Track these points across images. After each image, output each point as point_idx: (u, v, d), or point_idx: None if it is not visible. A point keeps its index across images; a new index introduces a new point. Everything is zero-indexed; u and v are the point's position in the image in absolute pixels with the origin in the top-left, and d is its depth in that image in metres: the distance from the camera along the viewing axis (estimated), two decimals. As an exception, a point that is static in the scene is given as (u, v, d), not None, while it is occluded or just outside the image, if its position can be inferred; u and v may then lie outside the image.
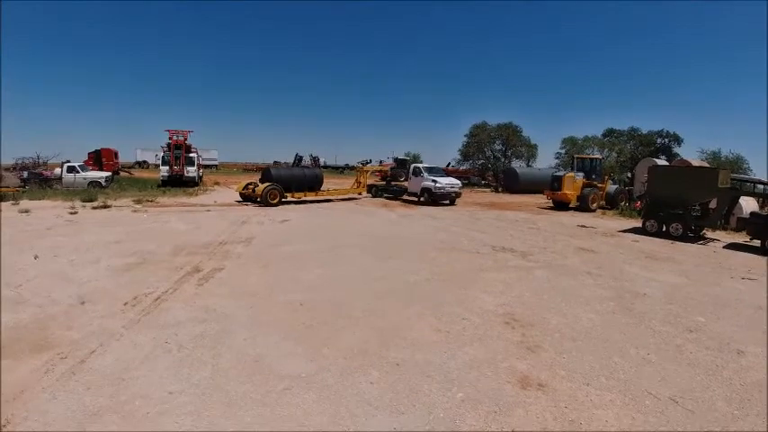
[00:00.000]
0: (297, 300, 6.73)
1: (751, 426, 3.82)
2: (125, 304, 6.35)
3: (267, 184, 20.20)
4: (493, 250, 11.22)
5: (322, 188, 23.11)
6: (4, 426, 3.45)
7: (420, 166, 24.66)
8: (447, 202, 23.21)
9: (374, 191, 26.59)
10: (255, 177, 24.91)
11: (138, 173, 40.38)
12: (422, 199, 23.07)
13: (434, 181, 22.86)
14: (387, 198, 25.53)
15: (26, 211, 14.94)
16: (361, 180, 25.71)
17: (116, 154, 35.65)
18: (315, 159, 54.37)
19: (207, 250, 10.06)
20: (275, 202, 19.69)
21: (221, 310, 6.18)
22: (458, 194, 23.67)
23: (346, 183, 33.17)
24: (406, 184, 25.48)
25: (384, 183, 27.48)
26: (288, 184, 20.75)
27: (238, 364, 4.59)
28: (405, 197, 24.92)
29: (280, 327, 5.69)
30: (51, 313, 5.92)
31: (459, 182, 24.52)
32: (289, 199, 20.72)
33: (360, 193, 25.75)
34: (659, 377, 4.67)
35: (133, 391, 4.02)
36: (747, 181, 18.33)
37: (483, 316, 6.32)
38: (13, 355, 4.66)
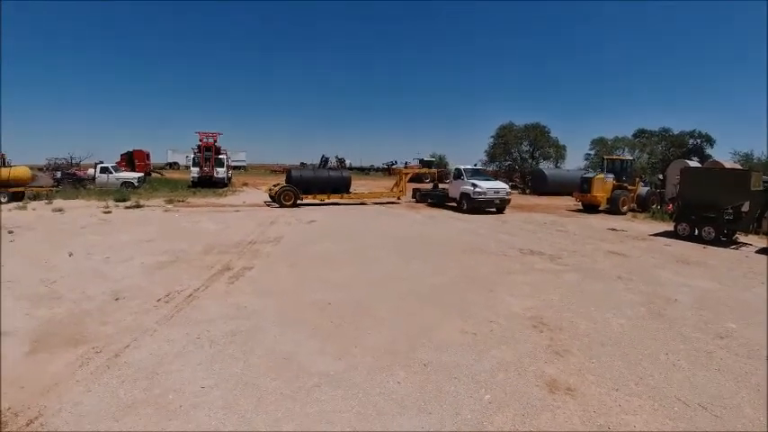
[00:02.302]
0: (325, 299, 6.83)
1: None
2: (158, 301, 6.57)
3: (282, 185, 20.46)
4: (521, 253, 11.09)
5: (351, 190, 22.43)
6: (36, 418, 3.57)
7: (462, 167, 21.42)
8: (493, 210, 20.04)
9: (418, 195, 24.11)
10: (282, 179, 25.11)
11: (168, 174, 41.48)
12: (463, 206, 20.03)
13: (474, 185, 19.67)
14: (430, 204, 22.67)
15: (60, 210, 15.58)
16: (401, 183, 23.78)
17: (148, 155, 36.70)
18: (341, 161, 54.76)
19: (237, 249, 10.30)
20: (289, 203, 19.75)
21: (252, 308, 6.34)
22: (505, 201, 20.13)
23: (372, 184, 33.33)
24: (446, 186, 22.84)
25: (431, 186, 24.80)
26: (309, 185, 20.77)
27: (269, 361, 4.71)
28: (447, 203, 21.93)
29: (309, 325, 5.79)
30: (86, 309, 6.16)
31: (506, 186, 21.05)
32: (311, 201, 20.74)
33: (398, 198, 23.73)
34: (689, 383, 4.57)
35: (166, 384, 4.15)
36: None
37: (510, 319, 6.28)
38: (48, 349, 4.85)
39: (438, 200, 22.56)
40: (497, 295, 7.41)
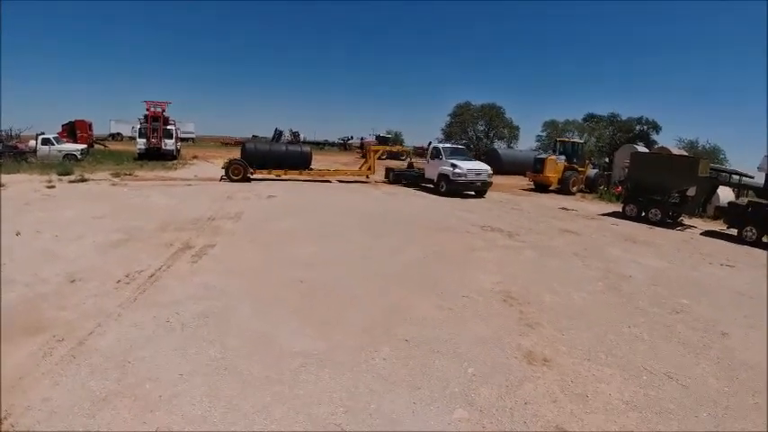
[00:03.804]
0: (296, 277, 6.69)
1: (741, 401, 4.09)
2: (118, 282, 6.15)
3: (231, 159, 19.74)
4: (481, 230, 11.37)
5: (312, 167, 21.36)
6: (4, 418, 3.23)
7: (439, 146, 20.12)
8: (472, 193, 18.64)
9: (392, 175, 22.40)
10: (237, 152, 23.97)
11: (112, 145, 38.82)
12: (442, 188, 18.51)
13: (453, 166, 18.09)
14: (404, 185, 21.25)
15: (2, 186, 14.27)
16: (370, 161, 22.44)
17: (90, 126, 34.07)
18: (295, 135, 53.24)
19: (195, 226, 9.84)
20: (238, 178, 18.95)
21: (220, 288, 6.10)
22: (487, 184, 18.71)
23: (329, 159, 32.80)
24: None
25: (407, 166, 23.40)
26: (264, 160, 19.92)
27: (247, 343, 4.56)
28: (423, 184, 20.59)
29: (283, 304, 5.67)
30: (41, 293, 5.66)
31: (487, 167, 19.13)
32: (266, 176, 19.93)
33: (367, 177, 22.42)
34: (653, 354, 4.91)
35: (141, 373, 3.89)
36: (724, 171, 18.96)
37: (482, 294, 6.46)
38: (6, 339, 4.39)
39: (413, 180, 21.34)
40: (466, 271, 7.58)
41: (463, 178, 17.96)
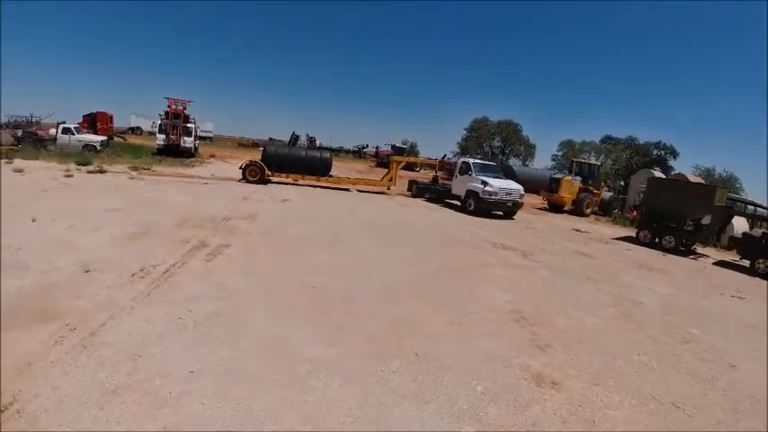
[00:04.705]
0: (309, 282, 6.71)
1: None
2: (133, 275, 6.21)
3: (249, 160, 19.95)
4: (494, 247, 11.33)
5: (331, 173, 21.06)
6: (11, 403, 3.24)
7: (469, 161, 19.30)
8: (500, 213, 17.67)
9: (415, 189, 21.76)
10: (253, 153, 24.12)
11: (131, 139, 39.34)
12: (469, 206, 17.56)
13: (484, 183, 17.18)
14: (427, 199, 20.69)
15: (20, 171, 14.58)
16: (392, 173, 21.85)
17: (111, 118, 34.67)
18: (311, 140, 53.50)
19: (211, 225, 9.94)
20: (254, 179, 19.13)
21: (234, 288, 6.14)
22: (517, 205, 17.85)
23: (344, 166, 32.86)
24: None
25: (431, 179, 22.77)
26: (282, 163, 20.03)
27: (258, 345, 4.58)
28: (448, 200, 19.94)
29: (296, 309, 5.69)
30: (55, 281, 5.72)
31: (519, 187, 18.04)
32: (284, 180, 20.03)
33: (388, 188, 21.97)
34: (661, 383, 4.86)
35: (151, 369, 3.90)
36: (740, 201, 18.72)
37: (493, 311, 6.43)
38: (18, 325, 4.40)
39: (438, 195, 20.52)
40: (478, 288, 7.55)
41: (494, 197, 17.02)
